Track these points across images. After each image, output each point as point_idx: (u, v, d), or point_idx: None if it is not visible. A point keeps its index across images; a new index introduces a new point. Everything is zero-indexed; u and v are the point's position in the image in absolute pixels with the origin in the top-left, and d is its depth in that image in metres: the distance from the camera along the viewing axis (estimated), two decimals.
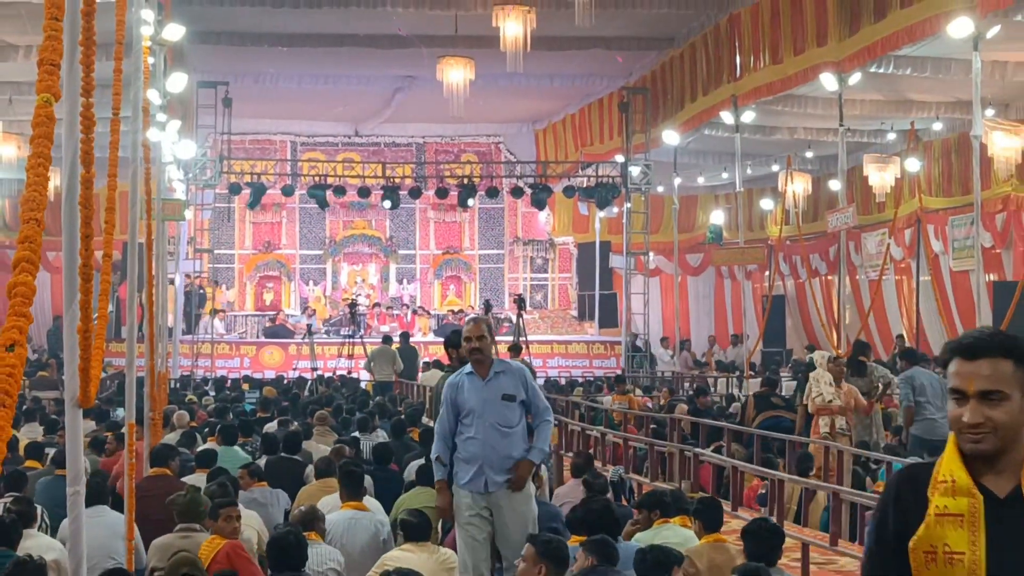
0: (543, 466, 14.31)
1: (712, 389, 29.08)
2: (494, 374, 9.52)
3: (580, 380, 31.11)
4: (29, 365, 24.63)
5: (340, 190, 35.04)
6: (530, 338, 31.80)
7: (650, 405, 24.28)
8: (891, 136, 29.41)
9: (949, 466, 3.23)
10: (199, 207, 35.35)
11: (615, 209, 34.88)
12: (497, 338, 23.90)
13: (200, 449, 14.75)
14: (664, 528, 10.12)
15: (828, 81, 22.15)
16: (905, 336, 28.70)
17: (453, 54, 26.62)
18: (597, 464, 17.03)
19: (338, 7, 25.03)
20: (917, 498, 3.28)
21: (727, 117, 26.22)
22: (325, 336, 36.14)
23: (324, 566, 9.39)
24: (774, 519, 12.29)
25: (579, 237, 39.90)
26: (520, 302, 37.86)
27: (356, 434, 16.98)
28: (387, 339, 29.00)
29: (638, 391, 27.37)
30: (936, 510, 3.18)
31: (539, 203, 35.97)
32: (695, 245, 38.19)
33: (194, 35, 24.03)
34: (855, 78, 22.10)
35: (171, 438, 15.49)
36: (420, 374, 24.48)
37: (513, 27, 23.07)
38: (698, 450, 16.84)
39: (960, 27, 17.84)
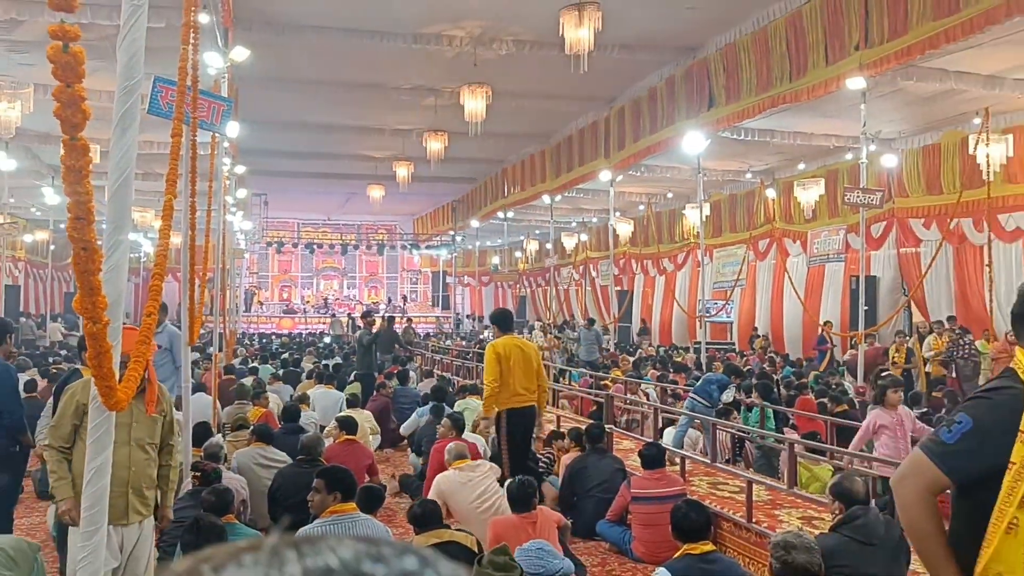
0: (411, 371, 14.29)
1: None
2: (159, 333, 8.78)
3: (433, 334, 31.03)
4: None
5: (320, 246, 34.75)
6: (412, 315, 31.59)
7: (464, 343, 24.30)
8: (574, 225, 29.83)
9: None
10: (252, 253, 34.57)
11: (449, 256, 34.76)
12: (395, 315, 23.81)
13: (250, 366, 14.33)
14: (468, 400, 10.13)
15: (545, 200, 22.36)
16: (579, 314, 29.19)
17: (374, 182, 26.28)
18: (437, 371, 16.97)
19: (322, 159, 24.57)
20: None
21: (500, 215, 26.31)
22: (313, 314, 35.61)
23: (309, 420, 9.22)
24: None
25: (432, 268, 39.70)
26: (405, 299, 37.86)
27: (325, 361, 16.66)
28: (351, 316, 29.89)
29: (459, 339, 27.53)
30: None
31: (413, 252, 35.78)
32: (486, 272, 38.29)
33: (250, 170, 23.31)
34: (558, 196, 22.35)
35: (236, 361, 15.03)
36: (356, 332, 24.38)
37: (403, 171, 22.84)
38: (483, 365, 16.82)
39: (604, 175, 18.21)
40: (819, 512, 5.91)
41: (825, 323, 16.16)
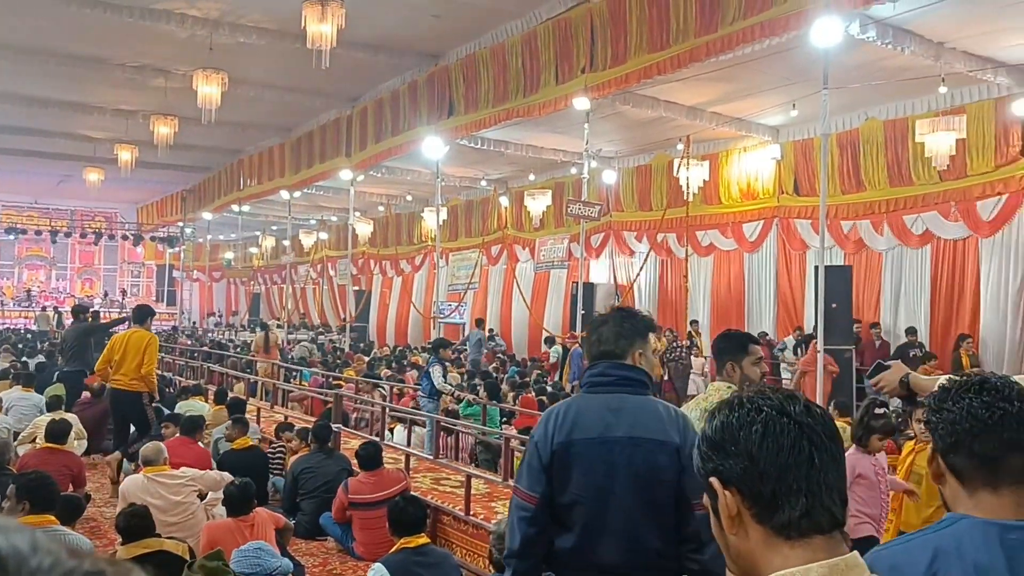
0: None
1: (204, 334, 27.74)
2: None
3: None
4: None
5: (24, 231, 31.09)
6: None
7: (189, 342, 22.88)
8: (313, 222, 29.06)
9: None
10: None
11: (178, 249, 32.56)
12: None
13: None
14: (192, 402, 9.57)
15: (284, 195, 21.60)
16: (315, 314, 28.56)
17: (92, 165, 23.92)
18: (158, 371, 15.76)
19: (29, 135, 21.95)
20: None
21: (235, 208, 25.07)
22: (13, 307, 31.80)
23: (1, 425, 8.22)
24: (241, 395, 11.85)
25: (158, 261, 36.88)
26: (124, 294, 34.89)
27: (25, 358, 14.92)
28: (58, 311, 26.37)
29: (184, 337, 25.86)
30: None
31: (136, 243, 33.09)
32: (219, 267, 36.15)
33: None
34: (297, 193, 21.74)
35: None
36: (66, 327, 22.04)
37: (126, 155, 21.03)
38: (210, 365, 15.93)
39: (345, 174, 18.02)
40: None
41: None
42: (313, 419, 10.13)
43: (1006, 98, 11.17)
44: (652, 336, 2.66)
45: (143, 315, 8.13)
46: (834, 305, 10.95)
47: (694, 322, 15.43)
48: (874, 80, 11.14)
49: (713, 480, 1.08)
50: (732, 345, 3.20)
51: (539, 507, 2.43)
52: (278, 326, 18.11)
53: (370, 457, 6.26)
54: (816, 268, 10.47)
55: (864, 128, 13.11)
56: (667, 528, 2.42)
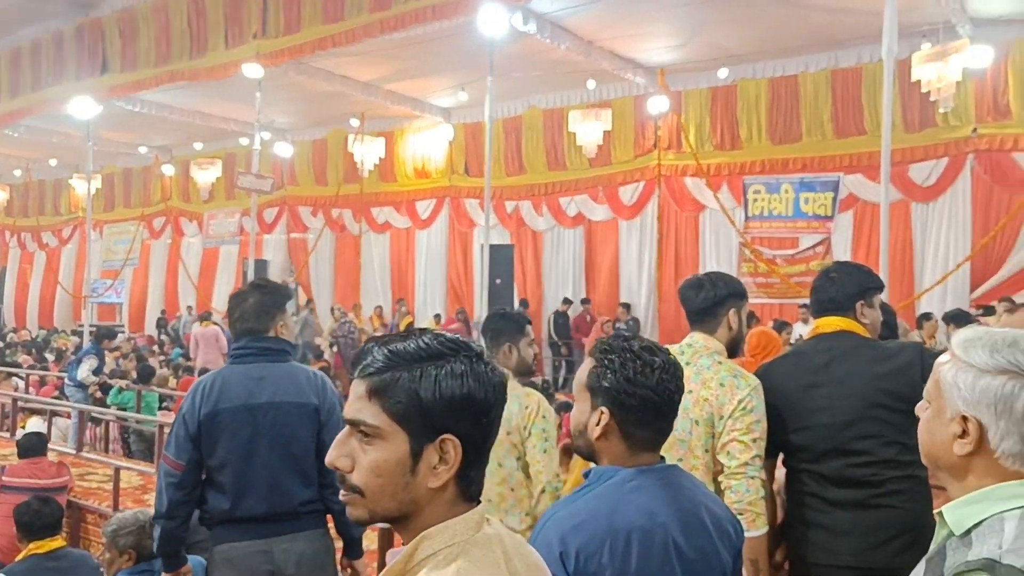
0: None
1: None
2: None
3: None
4: None
5: None
6: None
7: None
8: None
9: None
10: None
11: None
12: None
13: None
14: None
15: None
16: None
17: None
18: None
19: None
20: None
21: None
22: None
23: None
24: None
25: None
26: None
27: None
28: None
29: None
30: None
31: None
32: None
33: None
34: None
35: None
36: None
37: None
38: None
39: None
40: None
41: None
42: None
43: (643, 96, 12.52)
44: (289, 304, 2.91)
45: None
46: (498, 281, 11.61)
47: (401, 300, 15.50)
48: (535, 71, 11.90)
49: (449, 437, 1.02)
50: (511, 326, 2.97)
51: (185, 473, 2.65)
52: None
53: (32, 447, 5.56)
54: (482, 246, 10.97)
55: (526, 115, 13.99)
56: (311, 478, 2.72)
